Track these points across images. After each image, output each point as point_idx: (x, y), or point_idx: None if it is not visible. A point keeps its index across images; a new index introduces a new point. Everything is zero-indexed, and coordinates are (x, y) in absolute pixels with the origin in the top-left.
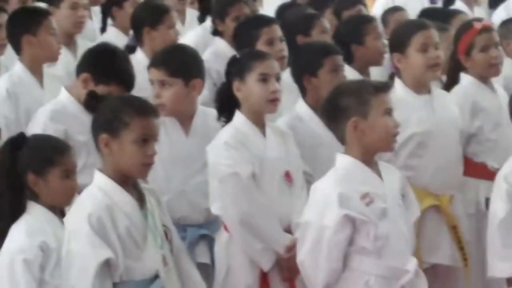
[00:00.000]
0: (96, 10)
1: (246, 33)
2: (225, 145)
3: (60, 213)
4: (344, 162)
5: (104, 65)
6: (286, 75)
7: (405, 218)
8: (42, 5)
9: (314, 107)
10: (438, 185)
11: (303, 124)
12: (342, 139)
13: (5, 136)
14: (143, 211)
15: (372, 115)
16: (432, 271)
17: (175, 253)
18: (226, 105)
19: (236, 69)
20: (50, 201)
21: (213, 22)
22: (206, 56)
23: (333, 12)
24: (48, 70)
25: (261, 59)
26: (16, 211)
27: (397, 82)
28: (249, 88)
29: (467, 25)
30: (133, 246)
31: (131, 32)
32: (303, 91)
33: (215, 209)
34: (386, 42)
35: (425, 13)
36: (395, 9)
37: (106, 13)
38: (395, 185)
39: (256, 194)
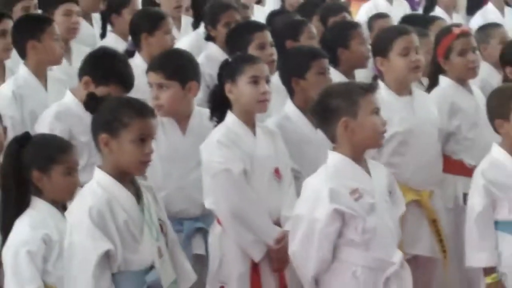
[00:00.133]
0: (96, 17)
1: (239, 38)
2: (218, 143)
3: (62, 207)
4: (334, 159)
5: (103, 67)
6: (275, 78)
7: (392, 213)
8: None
9: (301, 108)
10: (418, 181)
11: (291, 124)
12: (332, 138)
13: (11, 135)
14: (140, 205)
15: (361, 115)
16: (413, 262)
17: (170, 245)
18: (219, 106)
19: (228, 72)
20: (53, 196)
21: (206, 28)
22: (199, 60)
23: (319, 19)
24: (50, 73)
25: (251, 63)
26: (21, 206)
27: (380, 84)
28: (240, 90)
29: (447, 30)
30: (131, 238)
31: (129, 37)
32: (291, 93)
33: (208, 204)
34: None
35: (406, 19)
36: (380, 16)
37: (105, 20)
38: (382, 181)
39: (247, 189)
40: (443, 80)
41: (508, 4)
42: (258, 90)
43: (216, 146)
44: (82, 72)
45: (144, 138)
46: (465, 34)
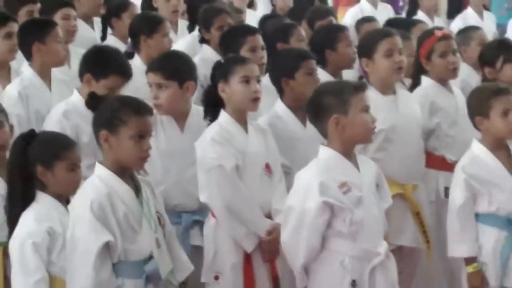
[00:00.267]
0: (97, 20)
1: (231, 40)
2: (212, 141)
3: (65, 201)
4: (325, 154)
5: (100, 62)
6: (265, 79)
7: (379, 205)
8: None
9: (291, 106)
10: (402, 176)
11: (281, 122)
12: (324, 134)
13: (17, 133)
14: (139, 199)
15: (352, 112)
16: (398, 252)
17: (167, 237)
18: (212, 105)
19: (220, 72)
20: (56, 191)
21: (200, 31)
22: (194, 61)
23: (307, 22)
24: (53, 74)
25: (243, 63)
26: (26, 200)
27: None
28: (232, 89)
29: (429, 33)
30: (130, 230)
31: (129, 40)
32: (281, 93)
33: (203, 198)
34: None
35: (390, 23)
36: (367, 20)
37: (106, 23)
38: (370, 175)
39: (239, 184)
40: (425, 80)
41: (486, 9)
42: (249, 89)
43: (210, 143)
44: (82, 71)
45: (142, 135)
46: (446, 37)
